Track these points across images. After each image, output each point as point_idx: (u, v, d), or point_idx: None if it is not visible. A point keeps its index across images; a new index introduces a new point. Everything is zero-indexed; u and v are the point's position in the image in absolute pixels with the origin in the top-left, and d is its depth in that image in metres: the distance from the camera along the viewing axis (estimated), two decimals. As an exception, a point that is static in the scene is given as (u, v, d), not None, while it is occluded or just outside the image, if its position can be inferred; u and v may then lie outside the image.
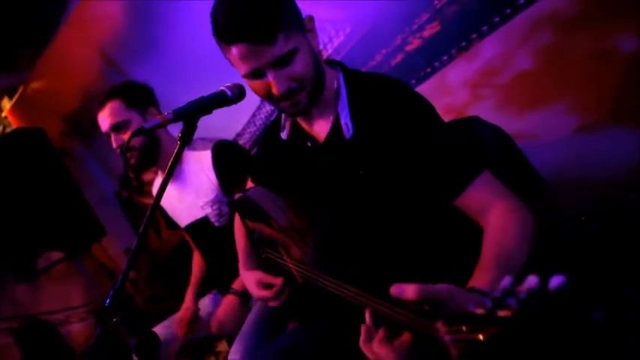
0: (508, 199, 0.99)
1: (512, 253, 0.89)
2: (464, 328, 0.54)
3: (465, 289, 0.78)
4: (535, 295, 0.47)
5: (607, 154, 1.44)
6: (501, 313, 0.49)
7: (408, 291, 0.67)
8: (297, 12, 1.07)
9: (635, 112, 1.36)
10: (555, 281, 0.46)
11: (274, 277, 1.24)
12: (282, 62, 1.02)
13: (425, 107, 1.09)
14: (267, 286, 1.24)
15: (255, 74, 1.04)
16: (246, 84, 1.10)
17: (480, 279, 0.84)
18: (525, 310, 0.48)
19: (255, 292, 1.27)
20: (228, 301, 1.72)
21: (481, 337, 0.51)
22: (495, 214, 0.97)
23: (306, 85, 1.06)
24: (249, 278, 1.31)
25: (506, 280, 0.51)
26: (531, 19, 1.45)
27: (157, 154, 1.87)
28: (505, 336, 0.49)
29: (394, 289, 0.68)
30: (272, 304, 1.23)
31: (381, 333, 0.73)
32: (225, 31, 1.01)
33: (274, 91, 1.04)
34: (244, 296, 1.69)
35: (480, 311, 0.52)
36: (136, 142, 1.78)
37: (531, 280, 0.49)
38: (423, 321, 0.64)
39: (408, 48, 1.74)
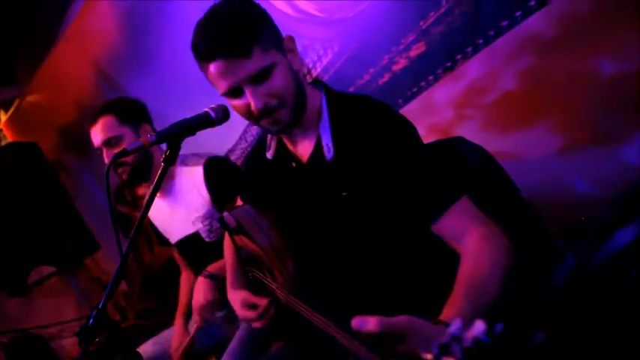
0: (484, 226, 0.99)
1: (483, 284, 0.89)
2: None
3: (432, 321, 0.77)
4: (479, 343, 0.48)
5: (589, 173, 1.45)
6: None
7: (370, 324, 0.66)
8: (274, 30, 1.08)
9: (615, 132, 1.38)
10: (498, 329, 0.48)
11: (259, 298, 1.23)
12: (259, 78, 1.02)
13: (406, 130, 1.09)
14: (252, 306, 1.23)
15: (234, 92, 1.05)
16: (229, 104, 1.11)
17: (449, 311, 0.84)
18: (467, 358, 0.49)
19: (240, 312, 1.26)
20: (202, 283, 1.68)
21: None
22: (470, 242, 0.96)
23: (287, 101, 1.06)
24: (234, 298, 1.30)
25: (454, 326, 0.53)
26: (514, 41, 1.47)
27: (149, 170, 1.88)
28: None
29: (355, 322, 0.67)
30: (256, 325, 1.22)
31: None
32: (202, 49, 1.03)
33: (252, 107, 1.03)
34: (215, 278, 1.66)
35: (427, 357, 0.53)
36: (128, 158, 1.80)
37: (478, 327, 0.50)
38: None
39: (395, 68, 1.77)
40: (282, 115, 1.07)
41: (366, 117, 1.09)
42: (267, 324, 1.21)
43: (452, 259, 0.98)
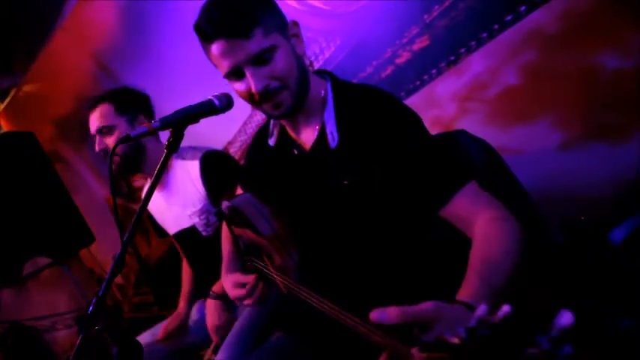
0: (494, 208, 0.99)
1: (495, 264, 0.89)
2: (444, 356, 0.53)
3: (451, 302, 0.76)
4: (508, 324, 0.48)
5: (590, 169, 1.46)
6: (474, 343, 0.50)
7: (390, 315, 0.62)
8: (278, 14, 1.08)
9: (617, 128, 1.39)
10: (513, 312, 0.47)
11: (249, 276, 1.23)
12: (260, 59, 1.02)
13: (412, 119, 1.09)
14: (242, 285, 1.24)
15: (235, 73, 1.05)
16: (232, 91, 1.10)
17: (465, 290, 0.84)
18: (496, 341, 0.48)
19: (231, 292, 1.27)
20: (212, 305, 1.71)
21: None
22: (481, 224, 0.96)
23: (289, 84, 1.05)
24: (226, 281, 1.30)
25: (481, 310, 0.52)
26: (518, 35, 1.48)
27: (140, 162, 1.86)
28: None
29: (374, 315, 0.63)
30: (246, 302, 1.22)
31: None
32: (205, 30, 1.03)
33: (252, 89, 1.03)
34: (224, 298, 1.68)
35: (454, 341, 0.52)
36: (119, 148, 1.79)
37: (505, 310, 0.50)
38: (399, 345, 0.63)
39: (398, 61, 1.76)
40: (284, 98, 1.06)
41: (371, 105, 1.09)
42: (256, 301, 1.21)
43: (459, 243, 0.98)
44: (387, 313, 0.62)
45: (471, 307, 0.75)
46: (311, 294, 0.97)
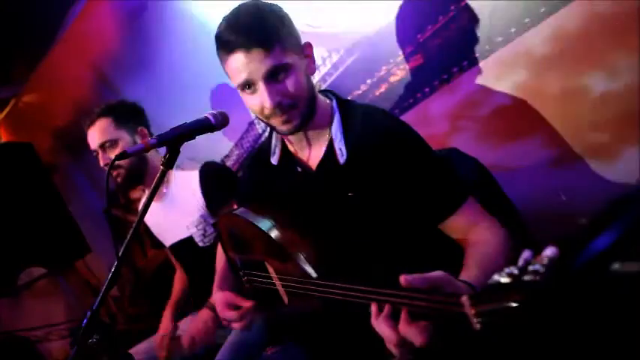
0: (489, 220, 1.07)
1: (491, 259, 0.95)
2: (492, 297, 0.55)
3: (457, 279, 0.84)
4: (557, 261, 0.49)
5: (577, 187, 1.48)
6: (528, 278, 0.51)
7: (417, 280, 0.72)
8: (295, 34, 1.12)
9: (605, 148, 1.42)
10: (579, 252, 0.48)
11: (243, 300, 1.24)
12: (275, 75, 1.05)
13: (416, 136, 1.14)
14: (235, 307, 1.24)
15: (250, 86, 1.07)
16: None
17: (465, 275, 0.90)
18: (552, 273, 0.49)
19: (221, 311, 1.27)
20: (202, 315, 1.71)
21: (513, 303, 0.51)
22: (477, 231, 1.04)
23: (299, 104, 1.09)
24: (218, 298, 1.31)
25: (527, 253, 0.54)
26: (508, 56, 1.51)
27: (143, 174, 1.89)
28: (536, 300, 0.50)
29: (405, 279, 0.73)
30: (235, 326, 1.23)
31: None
32: (225, 40, 1.06)
33: (265, 104, 1.06)
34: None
35: (505, 280, 0.53)
36: (123, 161, 1.81)
37: (550, 250, 0.51)
38: (447, 298, 0.66)
39: (392, 79, 1.80)
40: (293, 117, 1.10)
41: (377, 123, 1.14)
42: (245, 327, 1.21)
43: (458, 252, 1.02)
44: (414, 277, 0.73)
45: (472, 286, 0.82)
46: (331, 285, 0.94)
